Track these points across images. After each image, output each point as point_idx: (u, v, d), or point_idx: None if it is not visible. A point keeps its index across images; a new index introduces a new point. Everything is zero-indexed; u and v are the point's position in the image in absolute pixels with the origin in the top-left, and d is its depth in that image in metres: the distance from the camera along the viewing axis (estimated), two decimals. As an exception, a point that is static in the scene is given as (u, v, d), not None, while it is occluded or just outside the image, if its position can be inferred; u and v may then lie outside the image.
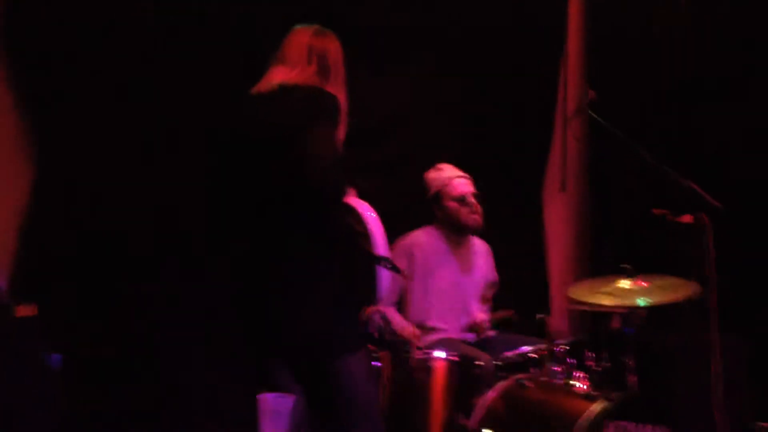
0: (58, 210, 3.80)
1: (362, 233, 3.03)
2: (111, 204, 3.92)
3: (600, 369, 3.91)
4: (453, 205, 4.45)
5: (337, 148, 2.99)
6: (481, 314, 4.52)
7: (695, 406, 3.95)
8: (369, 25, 4.66)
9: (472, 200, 4.46)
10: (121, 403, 3.57)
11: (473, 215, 4.46)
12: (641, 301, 3.86)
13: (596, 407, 3.46)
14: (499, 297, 4.71)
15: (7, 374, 3.09)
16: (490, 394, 3.75)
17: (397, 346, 4.07)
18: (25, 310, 3.28)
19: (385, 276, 3.03)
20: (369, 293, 3.07)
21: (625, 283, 3.97)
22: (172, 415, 3.05)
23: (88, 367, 3.45)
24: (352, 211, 3.07)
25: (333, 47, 3.23)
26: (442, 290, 4.45)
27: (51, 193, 3.81)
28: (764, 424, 3.22)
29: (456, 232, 4.51)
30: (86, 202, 3.88)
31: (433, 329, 4.36)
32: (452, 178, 4.51)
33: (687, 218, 3.97)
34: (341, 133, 3.11)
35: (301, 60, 3.15)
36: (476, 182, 4.55)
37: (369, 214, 3.08)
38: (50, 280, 3.66)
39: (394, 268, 3.09)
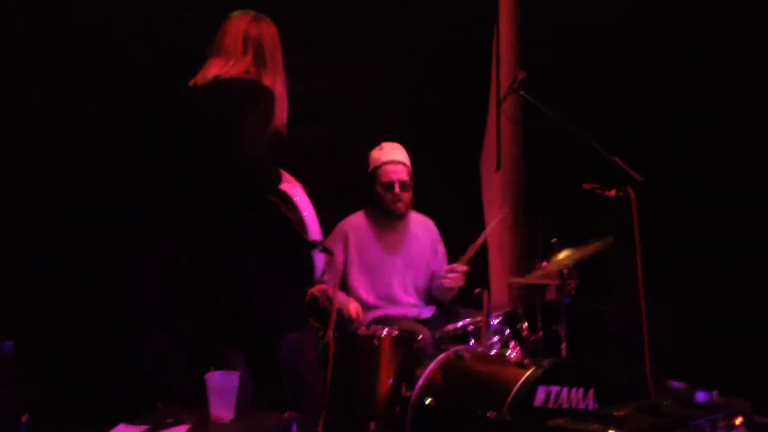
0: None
1: (295, 220, 3.15)
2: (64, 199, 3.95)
3: (533, 339, 4.16)
4: (380, 190, 4.55)
5: (269, 138, 3.12)
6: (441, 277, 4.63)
7: (624, 369, 4.13)
8: (310, 8, 4.69)
9: (397, 190, 4.52)
10: (75, 387, 3.63)
11: (397, 203, 4.54)
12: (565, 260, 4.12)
13: (528, 373, 3.56)
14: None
15: None
16: (430, 366, 3.85)
17: (341, 323, 4.24)
18: None
19: (318, 258, 3.19)
20: (307, 274, 3.21)
21: (558, 256, 4.16)
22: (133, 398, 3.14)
23: (42, 353, 3.51)
24: (286, 198, 3.19)
25: (269, 34, 3.32)
26: (375, 273, 4.61)
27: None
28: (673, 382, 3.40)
29: (385, 216, 4.61)
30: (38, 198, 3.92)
31: (372, 306, 4.53)
32: (386, 164, 4.57)
33: (613, 192, 4.15)
34: (282, 117, 3.26)
35: (237, 50, 3.24)
36: (418, 163, 4.64)
37: (302, 201, 3.21)
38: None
39: (326, 251, 3.24)
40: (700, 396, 2.88)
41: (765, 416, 3.69)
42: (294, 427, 2.77)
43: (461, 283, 4.59)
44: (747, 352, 4.49)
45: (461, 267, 4.56)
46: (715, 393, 2.90)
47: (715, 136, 4.98)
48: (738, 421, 2.89)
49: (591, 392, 3.65)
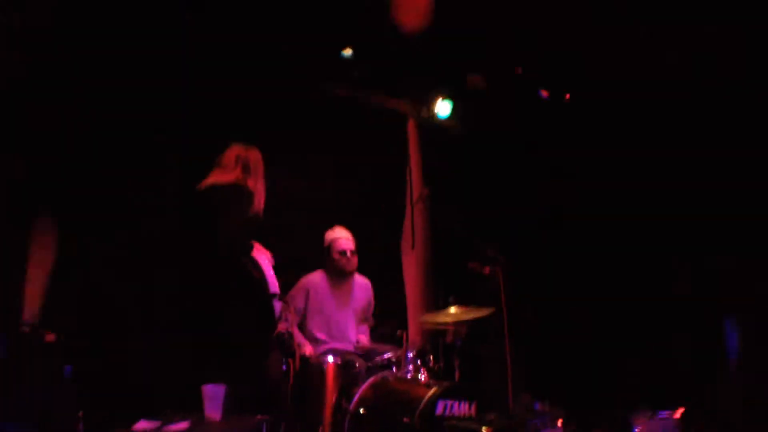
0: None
1: (259, 278, 3.36)
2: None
3: (436, 368, 4.21)
4: (336, 256, 4.60)
5: (246, 221, 3.34)
6: (360, 336, 4.70)
7: (495, 389, 4.30)
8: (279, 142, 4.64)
9: (349, 254, 4.59)
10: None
11: (348, 264, 4.60)
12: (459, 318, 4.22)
13: (432, 391, 3.70)
14: (377, 316, 4.90)
15: (39, 380, 3.27)
16: (363, 386, 3.97)
17: (299, 353, 4.23)
18: (49, 337, 3.42)
19: (276, 305, 3.39)
20: (268, 316, 3.38)
21: (452, 310, 4.28)
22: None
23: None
24: (255, 262, 3.40)
25: (253, 155, 3.64)
26: (327, 316, 4.62)
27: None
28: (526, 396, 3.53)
29: (338, 275, 4.65)
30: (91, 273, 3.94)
31: (323, 341, 4.57)
32: (338, 238, 4.63)
33: (486, 269, 4.47)
34: (259, 206, 3.50)
35: (230, 164, 3.56)
36: (358, 241, 4.67)
37: (266, 265, 3.42)
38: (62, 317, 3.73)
39: (282, 299, 3.42)
40: (536, 405, 3.10)
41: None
42: (264, 427, 2.89)
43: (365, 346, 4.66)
44: (571, 378, 4.72)
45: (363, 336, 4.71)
46: (546, 403, 3.12)
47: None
48: (559, 422, 3.13)
49: (474, 404, 3.73)
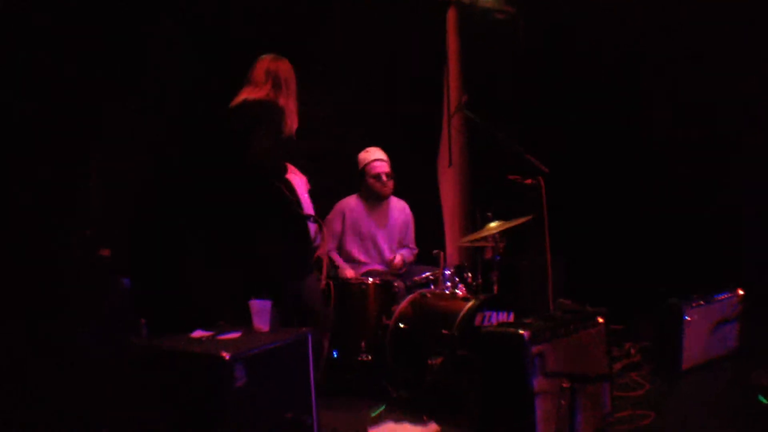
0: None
1: (294, 200, 3.40)
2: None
3: (474, 284, 4.33)
4: (371, 181, 4.67)
5: (278, 141, 3.33)
6: (395, 255, 4.78)
7: (533, 300, 4.49)
8: (314, 54, 4.77)
9: (384, 178, 4.65)
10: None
11: (384, 188, 4.67)
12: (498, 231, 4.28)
13: (471, 304, 3.87)
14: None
15: (98, 292, 3.49)
16: (403, 303, 4.16)
17: (338, 276, 4.50)
18: (104, 252, 3.62)
19: (312, 227, 3.44)
20: (303, 237, 3.44)
21: (491, 226, 4.34)
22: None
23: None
24: (289, 184, 3.43)
25: (284, 68, 3.55)
26: (364, 238, 4.74)
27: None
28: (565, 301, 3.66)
29: (373, 198, 4.74)
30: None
31: (362, 263, 4.73)
32: (373, 161, 4.67)
33: (529, 181, 4.49)
34: (292, 126, 3.48)
35: (260, 80, 3.49)
36: (393, 162, 4.73)
37: (300, 187, 3.46)
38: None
39: (317, 222, 3.46)
40: (576, 307, 3.25)
41: (617, 324, 4.10)
42: (309, 337, 3.03)
43: (398, 267, 4.75)
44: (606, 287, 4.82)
45: (399, 256, 4.76)
46: (586, 304, 3.27)
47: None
48: (600, 320, 3.29)
49: (512, 315, 3.93)
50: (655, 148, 5.26)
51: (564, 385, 2.99)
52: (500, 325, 3.32)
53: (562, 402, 3.00)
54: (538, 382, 2.98)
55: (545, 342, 3.03)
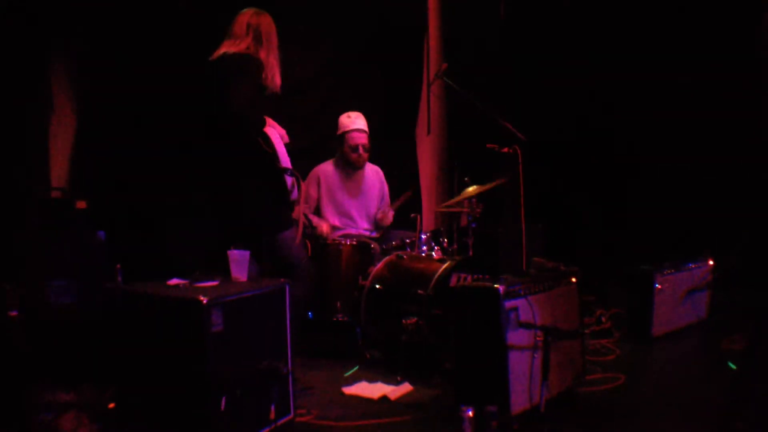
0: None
1: (270, 152, 3.43)
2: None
3: (450, 249, 4.48)
4: (348, 151, 4.70)
5: (258, 94, 3.37)
6: (379, 213, 4.84)
7: (509, 262, 4.57)
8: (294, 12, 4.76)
9: (361, 150, 4.68)
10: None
11: (359, 160, 4.72)
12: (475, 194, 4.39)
13: (446, 265, 3.96)
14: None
15: (74, 244, 3.55)
16: (379, 264, 4.23)
17: (316, 236, 4.55)
18: (80, 204, 3.65)
19: (289, 180, 3.47)
20: (281, 190, 3.46)
21: (468, 191, 4.44)
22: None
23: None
24: (266, 138, 3.46)
25: (265, 22, 3.55)
26: (340, 205, 4.80)
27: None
28: (539, 259, 3.76)
29: (348, 166, 4.77)
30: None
31: (337, 228, 4.77)
32: (353, 131, 4.67)
33: (506, 149, 4.52)
34: (275, 81, 3.50)
35: (241, 34, 3.49)
36: (372, 127, 4.74)
37: (277, 140, 3.49)
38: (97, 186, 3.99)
39: (294, 175, 3.48)
40: (550, 263, 3.35)
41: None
42: (287, 288, 3.06)
43: (389, 221, 4.84)
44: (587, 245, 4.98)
45: (390, 212, 4.84)
46: (560, 263, 3.38)
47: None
48: (573, 279, 3.39)
49: (487, 277, 3.81)
50: (633, 117, 5.39)
51: (537, 338, 3.07)
52: (475, 280, 3.37)
53: (536, 356, 3.07)
54: (512, 337, 3.04)
55: (519, 297, 3.11)
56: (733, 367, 3.77)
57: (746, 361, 3.49)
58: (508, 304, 3.06)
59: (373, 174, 4.98)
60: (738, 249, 4.88)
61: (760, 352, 3.08)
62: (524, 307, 3.12)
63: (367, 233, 4.85)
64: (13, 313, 3.04)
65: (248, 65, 3.41)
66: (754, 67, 4.92)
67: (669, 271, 4.61)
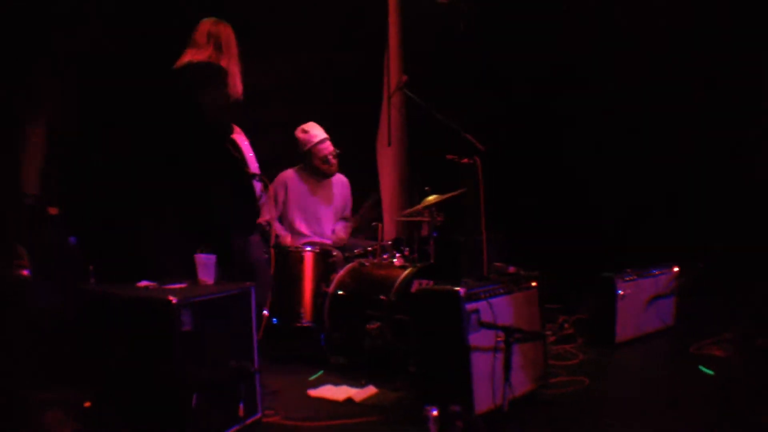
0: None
1: (239, 158, 3.54)
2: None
3: (411, 257, 4.52)
4: (318, 163, 4.79)
5: (224, 102, 3.47)
6: (337, 228, 4.92)
7: (470, 269, 4.60)
8: (254, 21, 4.77)
9: (332, 159, 4.79)
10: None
11: (331, 169, 4.82)
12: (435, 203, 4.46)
13: (408, 271, 4.09)
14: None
15: (46, 249, 3.58)
16: (341, 271, 4.33)
17: (279, 243, 4.63)
18: (53, 210, 3.72)
19: (257, 185, 3.57)
20: (249, 195, 3.57)
21: (428, 199, 4.52)
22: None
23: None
24: (235, 144, 3.57)
25: (225, 32, 3.67)
26: (308, 213, 4.88)
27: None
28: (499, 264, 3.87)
29: (319, 176, 4.88)
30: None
31: (303, 235, 4.84)
32: (319, 143, 4.75)
33: (466, 160, 4.55)
34: (237, 89, 3.59)
35: (202, 42, 3.61)
36: (333, 138, 4.83)
37: (246, 146, 3.59)
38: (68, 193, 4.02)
39: (262, 180, 3.58)
40: (510, 268, 3.48)
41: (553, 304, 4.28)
42: (252, 291, 3.14)
43: (346, 236, 4.91)
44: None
45: (349, 226, 4.93)
46: (519, 268, 3.50)
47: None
48: (534, 283, 3.52)
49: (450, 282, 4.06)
50: (594, 127, 5.53)
51: (499, 338, 3.16)
52: (436, 284, 3.48)
53: (498, 356, 3.16)
54: (474, 338, 3.14)
55: (480, 300, 3.21)
56: (706, 371, 3.86)
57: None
58: (470, 306, 3.15)
59: (340, 182, 5.06)
60: (703, 256, 4.97)
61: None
62: (485, 310, 3.21)
63: (330, 242, 4.91)
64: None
65: (215, 73, 3.51)
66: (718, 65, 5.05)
67: (631, 278, 4.67)
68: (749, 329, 4.27)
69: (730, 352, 4.12)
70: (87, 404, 2.98)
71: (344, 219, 5.09)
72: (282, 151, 5.00)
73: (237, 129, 3.66)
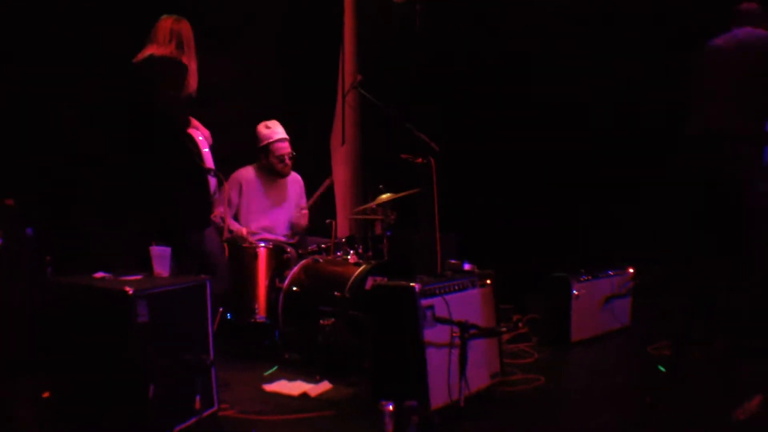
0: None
1: (195, 152, 3.56)
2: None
3: (365, 254, 4.55)
4: (274, 161, 4.76)
5: (180, 94, 3.51)
6: (295, 217, 4.93)
7: (424, 267, 4.61)
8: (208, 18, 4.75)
9: (287, 160, 4.78)
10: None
11: (285, 169, 4.81)
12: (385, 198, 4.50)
13: (362, 268, 4.11)
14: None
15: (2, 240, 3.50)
16: (295, 268, 4.34)
17: (234, 238, 4.59)
18: (9, 201, 3.65)
19: (212, 181, 3.59)
20: (204, 189, 3.59)
21: (382, 198, 4.54)
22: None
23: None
24: (191, 138, 3.59)
25: (186, 29, 3.70)
26: (262, 213, 4.86)
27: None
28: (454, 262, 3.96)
29: (273, 175, 4.84)
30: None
31: (255, 233, 4.80)
32: (277, 141, 4.74)
33: (420, 159, 4.71)
34: (194, 85, 3.64)
35: (165, 39, 3.63)
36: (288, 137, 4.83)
37: (202, 141, 3.61)
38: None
39: (217, 176, 3.61)
40: (465, 265, 3.55)
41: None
42: (208, 283, 3.13)
43: (305, 222, 4.92)
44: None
45: (305, 212, 4.93)
46: (473, 266, 3.58)
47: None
48: (488, 281, 3.60)
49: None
50: (549, 124, 5.58)
51: (454, 334, 3.22)
52: (391, 280, 3.53)
53: (453, 352, 3.20)
54: (429, 334, 3.18)
55: (435, 296, 3.26)
56: (663, 369, 3.94)
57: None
58: (425, 302, 3.19)
59: (294, 181, 5.06)
60: (659, 257, 4.98)
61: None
62: (440, 306, 3.26)
63: (285, 239, 4.92)
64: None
65: (176, 68, 3.54)
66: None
67: (586, 278, 4.74)
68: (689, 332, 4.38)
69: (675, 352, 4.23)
70: (45, 394, 2.95)
71: (301, 208, 5.09)
72: (233, 149, 4.91)
73: (195, 122, 3.67)
